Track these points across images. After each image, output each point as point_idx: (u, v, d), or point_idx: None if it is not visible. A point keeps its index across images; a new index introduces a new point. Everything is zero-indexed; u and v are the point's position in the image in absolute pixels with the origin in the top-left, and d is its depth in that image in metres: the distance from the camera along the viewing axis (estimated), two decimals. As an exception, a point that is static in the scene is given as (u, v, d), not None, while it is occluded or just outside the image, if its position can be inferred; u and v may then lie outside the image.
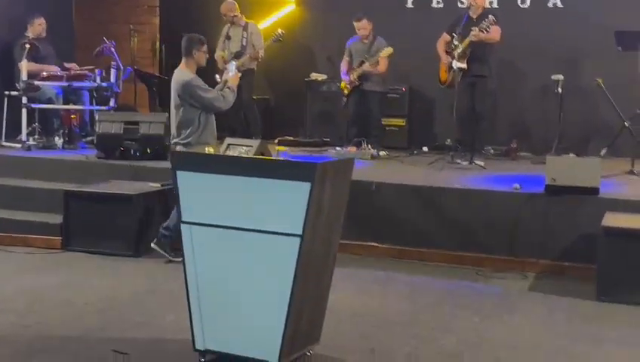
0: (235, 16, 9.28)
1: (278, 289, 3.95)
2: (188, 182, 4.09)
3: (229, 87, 6.53)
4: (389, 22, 9.36)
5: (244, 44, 9.21)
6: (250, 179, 3.96)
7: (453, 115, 7.99)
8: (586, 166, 6.25)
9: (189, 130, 6.33)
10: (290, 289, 3.93)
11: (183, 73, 6.39)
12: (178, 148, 6.27)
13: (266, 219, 3.93)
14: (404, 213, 6.73)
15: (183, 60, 6.48)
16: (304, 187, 3.83)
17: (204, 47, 6.51)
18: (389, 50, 8.62)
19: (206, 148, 4.77)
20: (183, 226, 4.11)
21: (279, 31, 9.13)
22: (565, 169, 6.20)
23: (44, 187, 7.49)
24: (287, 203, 3.88)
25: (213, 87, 6.65)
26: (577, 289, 5.71)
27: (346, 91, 9.04)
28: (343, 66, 9.06)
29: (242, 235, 3.98)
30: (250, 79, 9.10)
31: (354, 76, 8.86)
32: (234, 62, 6.83)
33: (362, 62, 8.80)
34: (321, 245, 4.16)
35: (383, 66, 8.77)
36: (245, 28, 9.30)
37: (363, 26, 8.87)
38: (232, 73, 6.67)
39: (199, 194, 4.07)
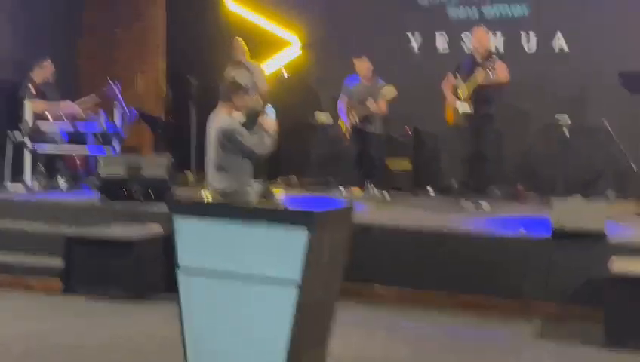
0: (240, 56, 9.32)
1: (275, 337, 3.88)
2: (185, 228, 4.04)
3: (267, 132, 6.49)
4: (395, 65, 9.40)
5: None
6: (249, 226, 3.91)
7: (459, 157, 7.95)
8: (591, 209, 6.18)
9: (227, 176, 6.29)
10: (288, 337, 3.85)
11: (221, 118, 6.36)
12: (215, 194, 6.22)
13: (264, 267, 3.87)
14: (409, 256, 6.65)
15: (221, 104, 6.46)
16: (302, 234, 3.78)
17: (243, 92, 6.50)
18: (392, 90, 8.60)
19: (202, 192, 4.72)
20: (179, 272, 4.06)
21: (284, 70, 9.16)
22: (571, 212, 6.12)
23: (45, 230, 7.44)
24: (285, 250, 3.82)
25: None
26: (584, 335, 5.60)
27: (345, 132, 9.00)
28: (341, 105, 9.03)
29: (239, 282, 3.92)
30: (255, 119, 9.07)
31: (355, 118, 8.83)
32: (271, 107, 6.78)
33: (363, 103, 8.77)
34: (321, 292, 4.10)
35: (384, 107, 8.75)
36: (248, 68, 9.33)
37: (363, 65, 8.87)
38: (270, 118, 6.62)
39: (196, 240, 4.02)
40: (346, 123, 8.96)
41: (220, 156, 6.29)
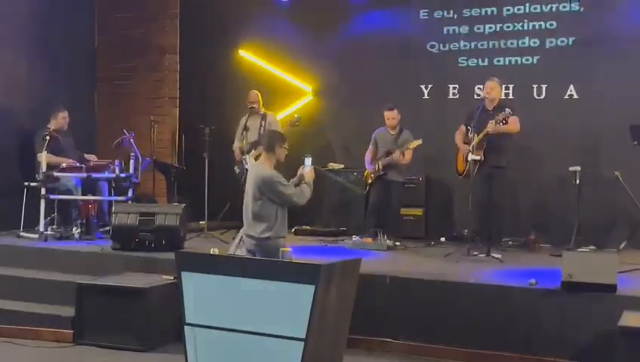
0: (254, 106, 9.42)
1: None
2: (192, 283, 4.07)
3: (305, 183, 6.58)
4: (405, 112, 9.44)
5: (262, 133, 9.31)
6: (254, 281, 3.93)
7: (470, 206, 7.95)
8: (602, 262, 6.12)
9: (265, 225, 6.35)
10: (294, 393, 3.85)
11: (264, 168, 6.48)
12: (252, 241, 6.30)
13: (270, 322, 3.89)
14: (419, 308, 6.61)
15: (264, 155, 6.59)
16: (308, 290, 3.80)
17: (286, 144, 6.62)
18: (418, 141, 8.70)
19: (211, 250, 4.75)
20: (186, 328, 4.07)
21: (296, 116, 9.23)
22: (582, 264, 6.07)
23: (58, 278, 7.47)
24: (291, 306, 3.84)
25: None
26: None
27: (369, 180, 9.06)
28: (368, 155, 9.11)
29: (245, 338, 3.93)
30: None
31: (379, 165, 8.90)
32: (309, 158, 6.86)
33: (388, 152, 8.85)
34: (327, 347, 4.10)
35: (409, 157, 8.82)
36: (264, 118, 9.43)
37: (393, 116, 8.98)
38: (307, 168, 6.71)
39: (203, 296, 4.05)
40: (370, 171, 9.01)
41: (259, 205, 6.37)
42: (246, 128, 9.40)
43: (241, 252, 6.57)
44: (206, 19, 10.94)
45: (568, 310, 6.06)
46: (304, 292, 3.76)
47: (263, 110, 9.52)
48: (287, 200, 6.40)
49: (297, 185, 6.65)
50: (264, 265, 4.08)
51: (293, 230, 9.28)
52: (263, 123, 9.37)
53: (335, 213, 9.87)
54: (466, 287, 6.57)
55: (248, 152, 9.25)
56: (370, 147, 9.17)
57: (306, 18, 10.48)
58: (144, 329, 6.64)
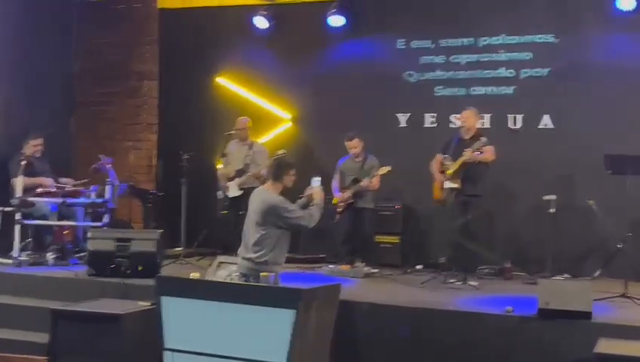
0: (242, 133, 9.42)
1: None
2: (172, 308, 4.06)
3: (314, 204, 6.55)
4: (382, 140, 9.53)
5: (248, 162, 9.32)
6: (235, 306, 3.93)
7: (447, 234, 7.99)
8: (577, 289, 6.18)
9: (264, 250, 6.35)
10: (273, 419, 3.84)
11: (269, 194, 6.48)
12: (248, 264, 6.28)
13: (250, 347, 3.88)
14: (396, 335, 6.61)
15: (270, 181, 6.61)
16: (289, 315, 3.80)
17: (293, 171, 6.63)
18: (387, 168, 8.72)
19: (191, 275, 4.74)
20: (165, 353, 4.06)
21: (282, 151, 9.20)
22: (557, 292, 6.13)
23: (31, 304, 7.40)
24: (271, 330, 3.84)
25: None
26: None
27: (339, 209, 9.07)
28: (334, 183, 9.13)
29: (225, 363, 3.92)
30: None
31: (348, 194, 8.91)
32: (318, 178, 6.84)
33: (356, 180, 8.88)
34: (307, 373, 4.09)
35: (377, 183, 8.84)
36: (251, 146, 9.44)
37: (354, 145, 9.02)
38: (316, 188, 6.68)
39: (183, 321, 4.03)
40: (338, 197, 9.01)
41: (261, 230, 6.36)
42: (228, 155, 9.39)
43: (219, 278, 6.57)
44: (184, 45, 10.97)
45: (545, 337, 6.10)
46: (285, 317, 3.76)
47: (250, 139, 9.53)
48: (294, 224, 6.40)
49: (306, 205, 6.63)
50: (244, 289, 4.08)
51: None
52: (250, 151, 9.38)
53: (313, 240, 9.85)
54: (442, 314, 6.60)
55: (233, 179, 9.27)
56: (336, 176, 9.18)
57: (284, 46, 10.55)
58: (120, 355, 6.53)
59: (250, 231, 6.47)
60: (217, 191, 9.52)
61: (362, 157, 9.06)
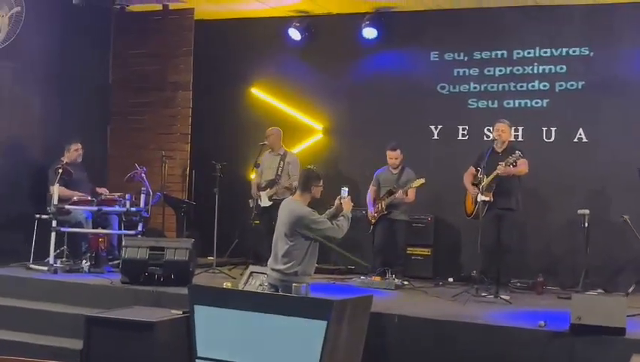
0: (274, 143, 9.48)
1: None
2: (205, 317, 4.09)
3: (343, 215, 6.58)
4: (415, 152, 9.52)
5: (279, 173, 9.36)
6: (267, 316, 3.95)
7: (478, 247, 7.95)
8: (611, 305, 6.12)
9: (294, 261, 6.34)
10: None
11: (297, 205, 6.49)
12: (277, 276, 6.29)
13: (282, 357, 3.90)
14: (426, 348, 6.60)
15: (298, 192, 6.62)
16: (320, 325, 3.81)
17: (321, 182, 6.64)
18: (421, 180, 8.74)
19: (224, 284, 4.78)
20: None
21: (312, 166, 9.20)
22: (591, 307, 6.07)
23: (66, 311, 7.49)
24: (303, 341, 3.86)
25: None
26: None
27: (373, 220, 9.09)
28: (370, 195, 9.16)
29: (257, 373, 3.94)
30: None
31: (383, 205, 8.93)
32: (346, 189, 6.86)
33: (391, 192, 8.89)
34: (338, 383, 4.10)
35: (412, 196, 8.85)
36: (283, 157, 9.48)
37: (396, 156, 9.04)
38: (345, 199, 6.71)
39: (215, 330, 4.07)
40: (371, 211, 9.05)
41: (291, 242, 6.38)
42: (261, 165, 9.45)
43: (251, 287, 6.60)
44: (219, 56, 11.07)
45: (577, 352, 6.05)
46: (316, 328, 3.78)
47: (283, 148, 9.59)
48: (323, 235, 6.40)
49: (335, 216, 6.63)
50: (277, 300, 4.11)
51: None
52: (282, 163, 9.42)
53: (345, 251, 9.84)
54: (474, 328, 6.56)
55: (264, 190, 9.33)
56: (372, 187, 9.23)
57: (318, 57, 10.61)
58: (153, 363, 6.64)
59: (279, 243, 6.49)
60: (249, 199, 9.59)
61: (399, 168, 9.08)
